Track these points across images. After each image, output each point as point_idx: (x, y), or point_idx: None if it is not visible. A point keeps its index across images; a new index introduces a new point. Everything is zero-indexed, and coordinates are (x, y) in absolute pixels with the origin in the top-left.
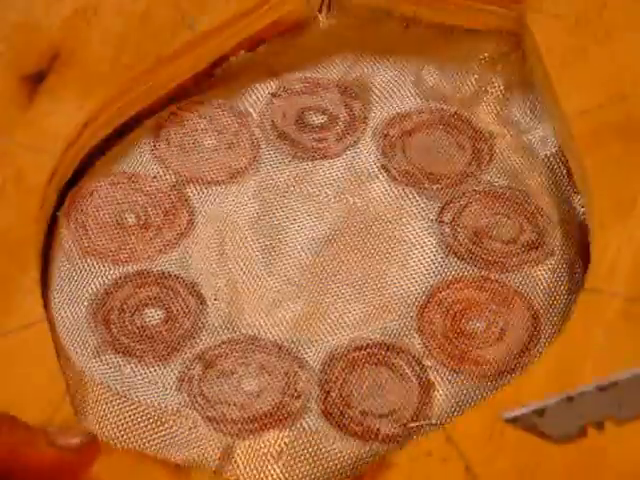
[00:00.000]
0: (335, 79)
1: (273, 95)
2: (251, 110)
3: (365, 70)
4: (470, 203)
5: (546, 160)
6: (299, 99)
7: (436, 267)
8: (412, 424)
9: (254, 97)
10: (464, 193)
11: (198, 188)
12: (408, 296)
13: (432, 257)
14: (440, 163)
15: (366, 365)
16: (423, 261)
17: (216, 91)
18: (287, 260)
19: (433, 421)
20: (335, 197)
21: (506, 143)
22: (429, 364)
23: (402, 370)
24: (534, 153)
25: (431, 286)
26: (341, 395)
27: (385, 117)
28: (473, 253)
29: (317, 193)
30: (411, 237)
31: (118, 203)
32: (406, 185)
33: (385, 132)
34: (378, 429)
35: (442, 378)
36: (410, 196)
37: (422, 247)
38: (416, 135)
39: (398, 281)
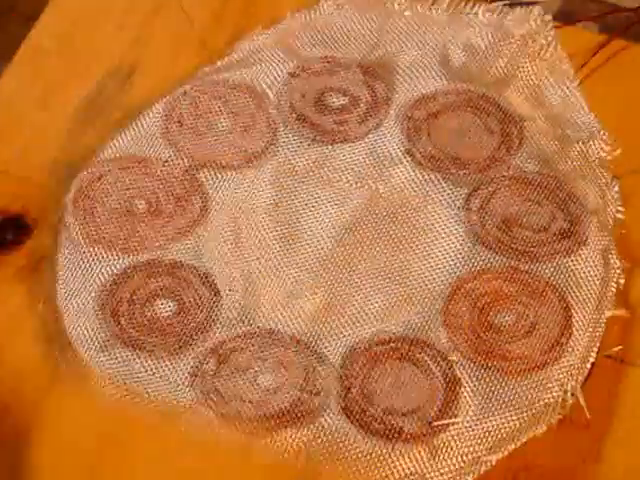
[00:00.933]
0: (357, 59)
1: (291, 75)
2: (268, 91)
3: (388, 49)
4: (499, 189)
5: (579, 144)
6: (319, 79)
7: (463, 257)
8: (437, 422)
9: (271, 77)
10: (492, 179)
11: (212, 173)
12: (433, 288)
13: (459, 246)
14: (467, 147)
15: (389, 360)
16: (449, 251)
17: (231, 71)
18: (306, 249)
19: (459, 419)
20: (356, 183)
21: (537, 126)
22: (455, 359)
23: (426, 366)
24: (567, 137)
25: (457, 277)
26: (362, 392)
27: (409, 99)
28: (502, 242)
29: (337, 179)
30: (437, 225)
31: (127, 188)
32: (431, 170)
33: (409, 114)
34: (401, 428)
35: (469, 374)
36: (436, 182)
37: (448, 236)
38: (442, 117)
39: (423, 272)
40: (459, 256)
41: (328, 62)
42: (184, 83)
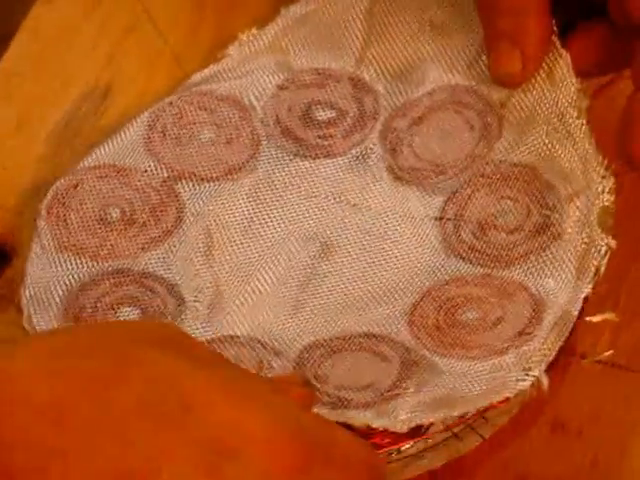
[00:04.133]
0: (349, 71)
1: (280, 87)
2: (255, 103)
3: (377, 51)
4: (477, 190)
5: (559, 127)
6: (307, 92)
7: (436, 269)
8: (388, 393)
9: (260, 89)
10: (470, 179)
11: (190, 184)
12: (402, 300)
13: (433, 259)
14: (449, 150)
15: (347, 351)
16: (423, 264)
17: (220, 82)
18: (279, 262)
19: (411, 390)
20: (334, 197)
21: (517, 111)
22: (416, 349)
23: (385, 353)
24: (547, 119)
25: (427, 288)
26: (316, 375)
27: (394, 107)
28: (476, 250)
29: (316, 193)
30: (413, 239)
31: (103, 197)
32: (411, 183)
33: (394, 126)
34: (352, 399)
35: (427, 359)
36: (412, 196)
37: (423, 249)
38: (425, 122)
39: (397, 284)
40: (432, 269)
41: (319, 74)
42: (170, 94)
